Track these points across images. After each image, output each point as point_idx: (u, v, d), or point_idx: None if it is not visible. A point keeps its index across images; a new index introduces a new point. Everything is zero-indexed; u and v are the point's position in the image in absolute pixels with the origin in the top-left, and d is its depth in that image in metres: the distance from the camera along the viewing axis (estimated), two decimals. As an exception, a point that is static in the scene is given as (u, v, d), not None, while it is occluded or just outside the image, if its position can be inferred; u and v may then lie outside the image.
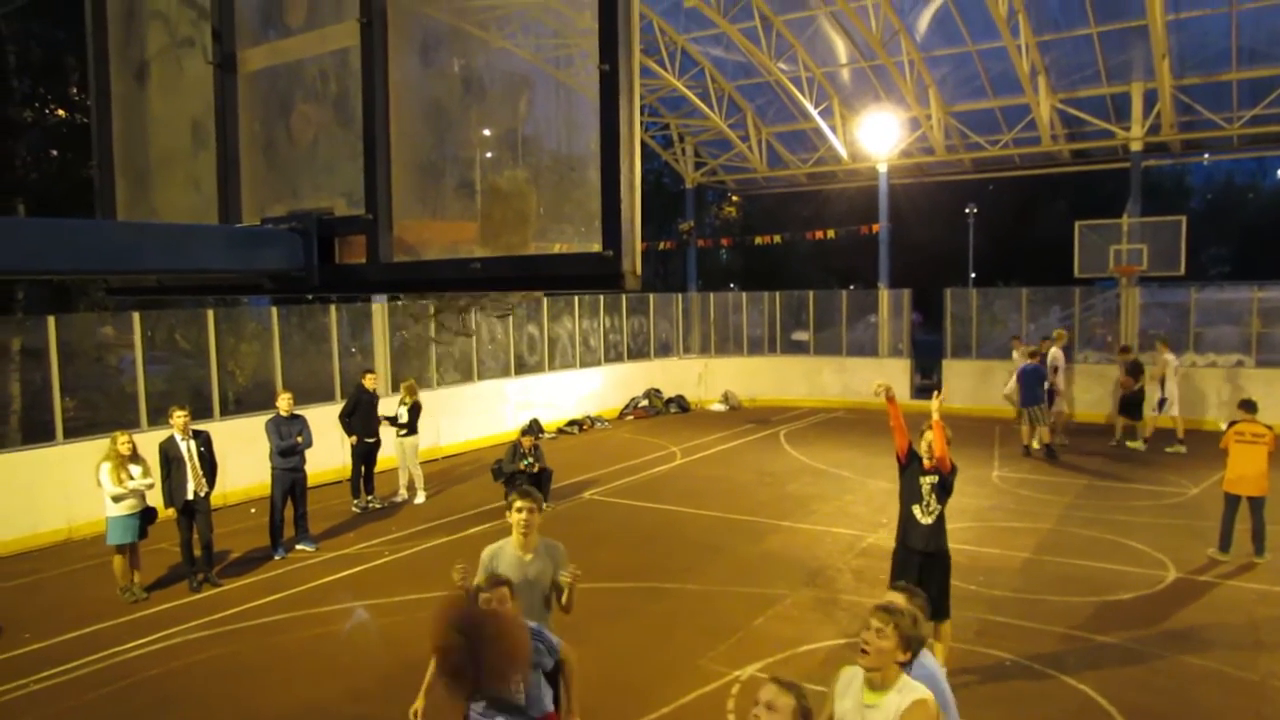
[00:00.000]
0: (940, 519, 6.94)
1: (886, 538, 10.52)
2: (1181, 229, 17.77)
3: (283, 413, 10.22)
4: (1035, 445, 14.94)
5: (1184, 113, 18.67)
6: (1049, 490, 12.73)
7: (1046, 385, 14.97)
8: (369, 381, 12.27)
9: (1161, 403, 15.35)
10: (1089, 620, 7.95)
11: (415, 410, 12.44)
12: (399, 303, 14.24)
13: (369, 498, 12.39)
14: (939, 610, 6.50)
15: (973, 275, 39.25)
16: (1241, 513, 9.48)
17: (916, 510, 6.95)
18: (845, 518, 11.54)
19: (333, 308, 14.29)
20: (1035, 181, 33.00)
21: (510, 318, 17.66)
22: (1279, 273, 27.91)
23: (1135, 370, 15.53)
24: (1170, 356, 15.62)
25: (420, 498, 12.63)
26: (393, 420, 12.44)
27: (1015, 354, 16.14)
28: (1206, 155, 26.72)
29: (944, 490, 6.92)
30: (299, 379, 13.57)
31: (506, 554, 5.09)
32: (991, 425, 16.88)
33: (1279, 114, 18.04)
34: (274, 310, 13.73)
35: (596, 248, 1.88)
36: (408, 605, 8.72)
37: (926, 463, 6.93)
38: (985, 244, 39.64)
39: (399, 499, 12.63)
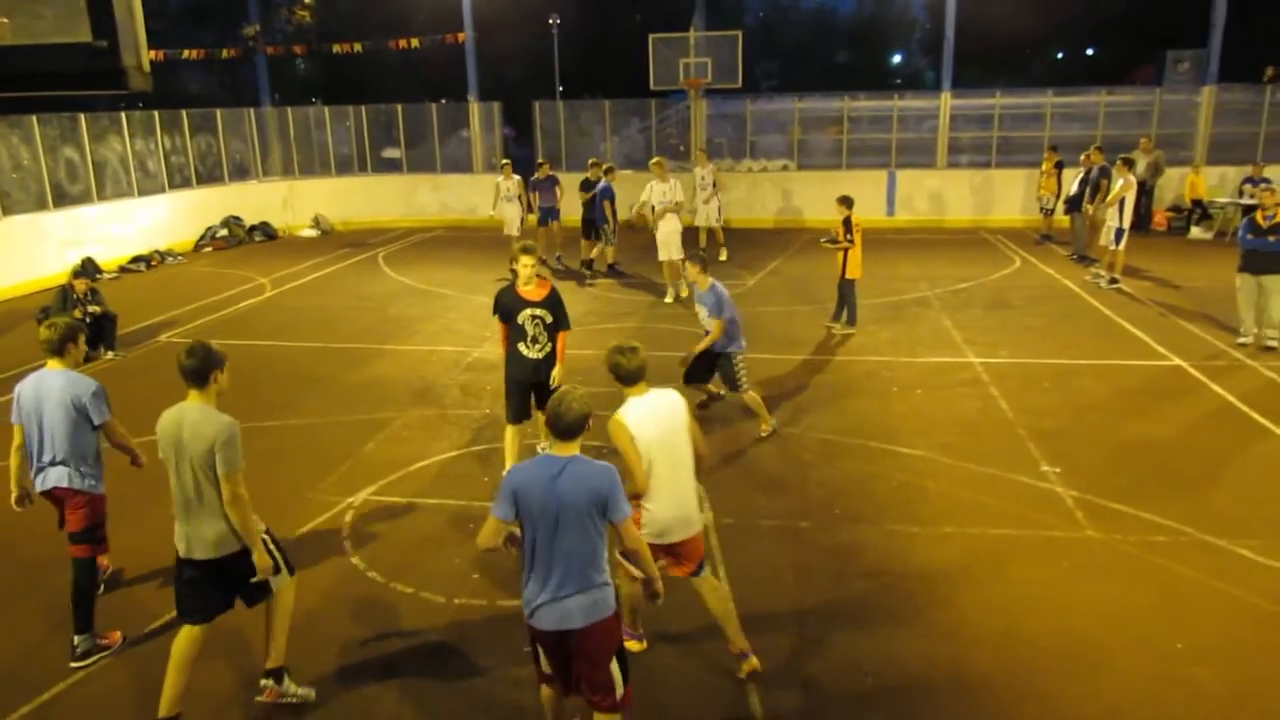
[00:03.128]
0: (551, 354, 6.75)
1: (491, 350, 10.83)
2: (739, 43, 19.28)
3: None
4: (599, 263, 15.10)
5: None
6: (637, 290, 13.82)
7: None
8: None
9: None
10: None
11: None
12: None
13: None
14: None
15: (560, 88, 39.84)
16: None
17: (523, 347, 6.72)
18: (450, 335, 11.62)
19: None
20: (613, -8, 33.70)
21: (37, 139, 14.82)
22: (815, 85, 31.73)
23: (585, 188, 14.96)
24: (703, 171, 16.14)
25: None
26: None
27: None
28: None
29: (555, 324, 6.72)
30: None
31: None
32: (576, 236, 17.54)
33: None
34: None
35: (86, 38, 1.50)
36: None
37: (526, 291, 6.64)
38: (570, 56, 40.21)
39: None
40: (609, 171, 14.85)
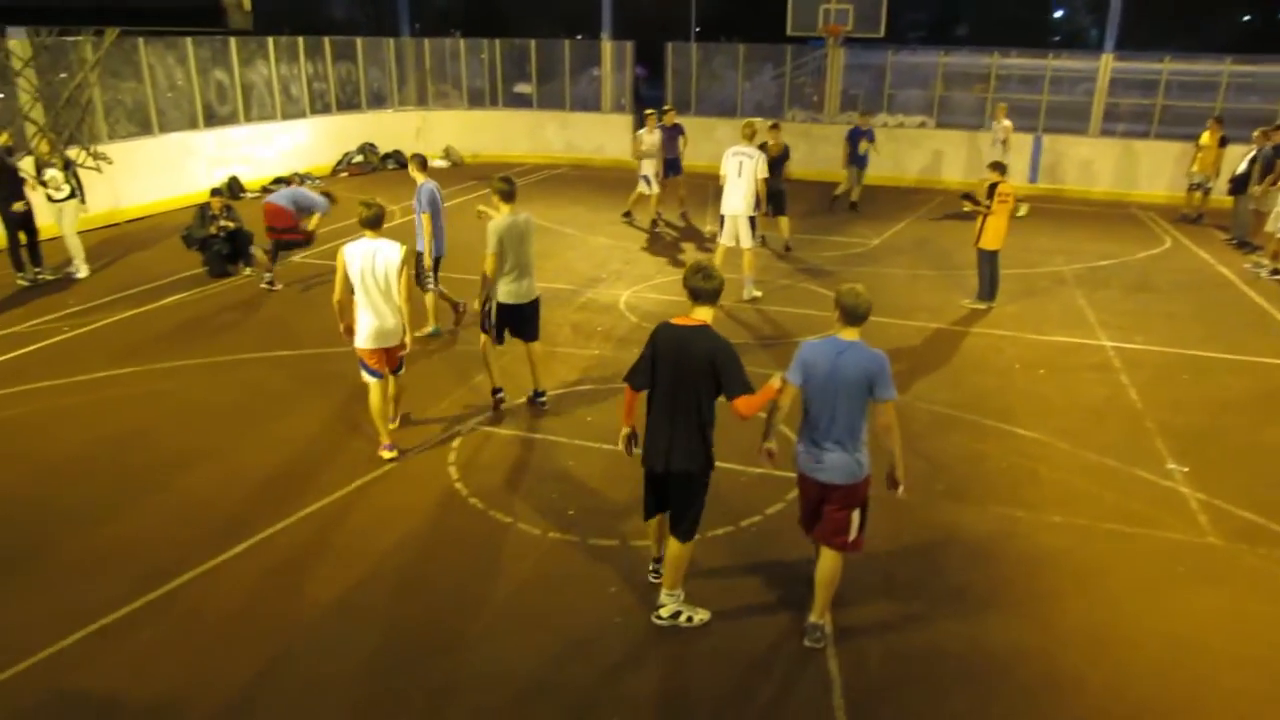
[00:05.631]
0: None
1: (605, 292, 10.91)
2: (885, -12, 18.47)
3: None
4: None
5: None
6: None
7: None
8: (2, 137, 10.39)
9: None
10: (780, 359, 8.77)
11: (69, 170, 10.72)
12: (44, 41, 11.93)
13: (36, 270, 10.88)
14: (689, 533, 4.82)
15: (696, 29, 39.10)
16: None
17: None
18: (566, 273, 11.73)
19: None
20: (759, -68, 32.66)
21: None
22: (965, 38, 30.20)
23: (780, 159, 12.88)
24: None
25: (82, 271, 11.10)
26: (44, 184, 10.70)
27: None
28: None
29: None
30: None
31: None
32: (706, 181, 17.30)
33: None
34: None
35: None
36: (99, 383, 7.98)
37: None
38: (709, -4, 39.30)
39: (75, 272, 11.14)
40: (775, 127, 13.17)
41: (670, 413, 4.57)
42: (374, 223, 6.36)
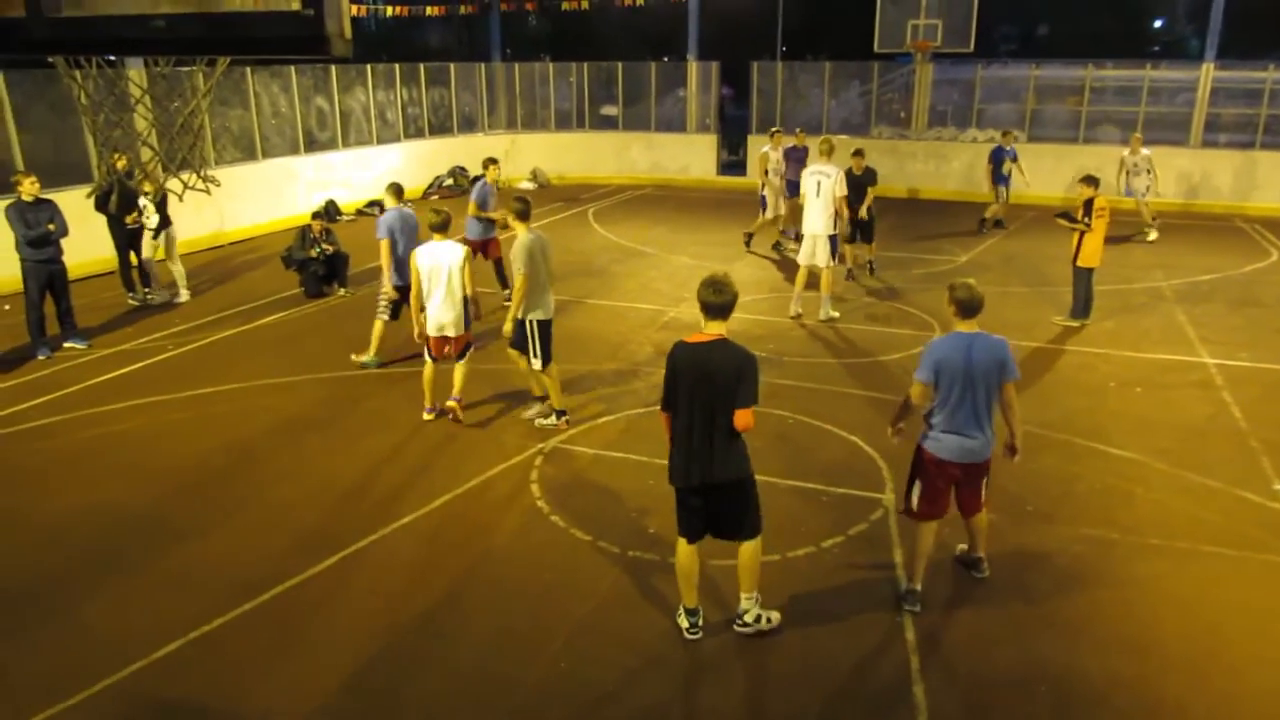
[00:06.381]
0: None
1: (687, 311, 10.94)
2: (974, 3, 18.14)
3: (25, 198, 9.07)
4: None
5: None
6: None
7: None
8: (121, 162, 11.00)
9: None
10: (862, 378, 8.68)
11: (162, 203, 11.18)
12: (161, 71, 12.61)
13: (146, 290, 11.47)
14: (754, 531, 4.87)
15: (783, 48, 39.02)
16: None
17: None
18: (648, 293, 11.82)
19: (78, 74, 12.46)
20: (844, -50, 32.48)
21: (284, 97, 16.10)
22: (1060, 50, 29.36)
23: (863, 183, 12.10)
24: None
25: (183, 295, 11.49)
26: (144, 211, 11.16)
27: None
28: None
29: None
30: (44, 158, 12.00)
31: None
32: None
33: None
34: (-1, 76, 11.83)
35: (296, 5, 1.63)
36: (201, 399, 8.36)
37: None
38: (795, 14, 39.20)
39: (177, 297, 11.63)
40: (857, 154, 12.65)
41: (707, 429, 4.57)
42: (441, 227, 7.31)
